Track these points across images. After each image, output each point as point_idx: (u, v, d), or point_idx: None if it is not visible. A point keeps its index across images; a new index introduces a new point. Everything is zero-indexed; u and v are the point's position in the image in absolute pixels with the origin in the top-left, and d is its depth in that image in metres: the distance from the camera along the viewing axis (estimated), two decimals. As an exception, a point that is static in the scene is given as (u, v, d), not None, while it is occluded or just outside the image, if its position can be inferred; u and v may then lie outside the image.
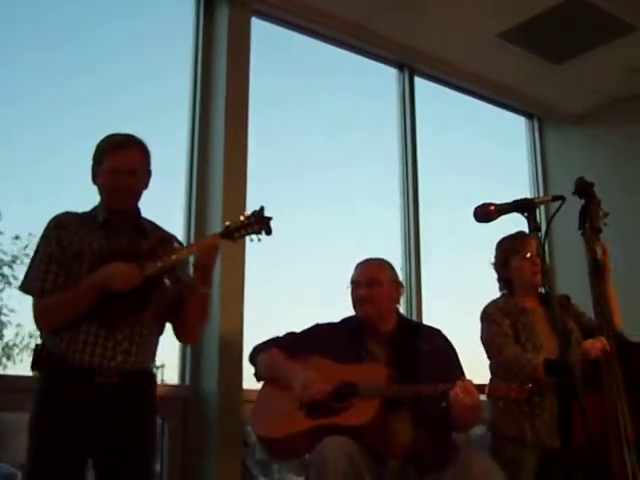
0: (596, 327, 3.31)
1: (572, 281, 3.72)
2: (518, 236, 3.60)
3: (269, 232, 2.80)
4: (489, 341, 3.53)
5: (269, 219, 2.81)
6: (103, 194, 2.83)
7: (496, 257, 3.70)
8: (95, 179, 2.84)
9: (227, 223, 2.84)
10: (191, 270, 2.91)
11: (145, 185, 2.89)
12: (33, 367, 2.73)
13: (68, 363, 2.64)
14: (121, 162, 2.75)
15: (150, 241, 2.83)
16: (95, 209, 2.87)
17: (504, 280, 3.67)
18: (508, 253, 3.62)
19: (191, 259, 2.92)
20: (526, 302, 3.59)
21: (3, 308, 4.12)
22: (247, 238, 2.83)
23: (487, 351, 3.56)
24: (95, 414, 2.63)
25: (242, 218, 2.80)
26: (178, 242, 3.01)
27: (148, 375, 2.85)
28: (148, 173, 2.88)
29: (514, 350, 3.41)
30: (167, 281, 2.81)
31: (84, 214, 2.86)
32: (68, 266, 2.71)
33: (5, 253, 4.15)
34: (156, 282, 2.74)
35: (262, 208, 2.81)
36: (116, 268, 2.65)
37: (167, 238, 2.91)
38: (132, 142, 2.82)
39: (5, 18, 3.94)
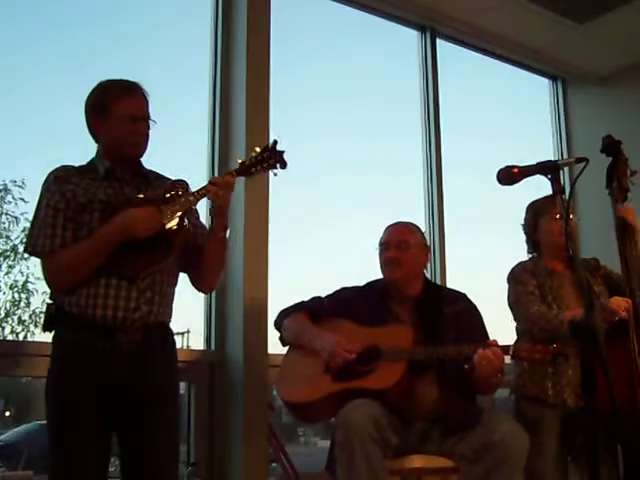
0: (624, 283, 3.32)
1: (597, 243, 3.72)
2: (548, 198, 3.58)
3: (284, 165, 2.75)
4: (515, 300, 3.52)
5: (282, 152, 2.75)
6: (111, 144, 2.71)
7: (526, 219, 3.69)
8: (97, 129, 2.72)
9: (240, 160, 2.78)
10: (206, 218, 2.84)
11: None
12: (46, 328, 2.61)
13: (87, 321, 2.53)
14: (136, 108, 2.67)
15: (163, 186, 2.74)
16: (92, 161, 2.75)
17: (533, 242, 3.66)
18: (538, 214, 3.59)
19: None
20: (554, 264, 3.58)
21: (29, 276, 4.14)
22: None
23: (513, 312, 3.56)
24: (118, 375, 2.54)
25: (255, 153, 2.75)
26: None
27: (168, 329, 2.74)
28: (154, 121, 2.78)
29: (540, 308, 3.41)
30: (187, 221, 2.68)
31: (81, 167, 2.74)
32: (76, 218, 2.58)
33: (30, 221, 4.18)
34: (178, 225, 2.63)
35: (275, 142, 2.76)
36: (136, 213, 2.55)
37: (181, 181, 2.76)
38: (139, 86, 2.73)
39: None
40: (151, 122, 2.75)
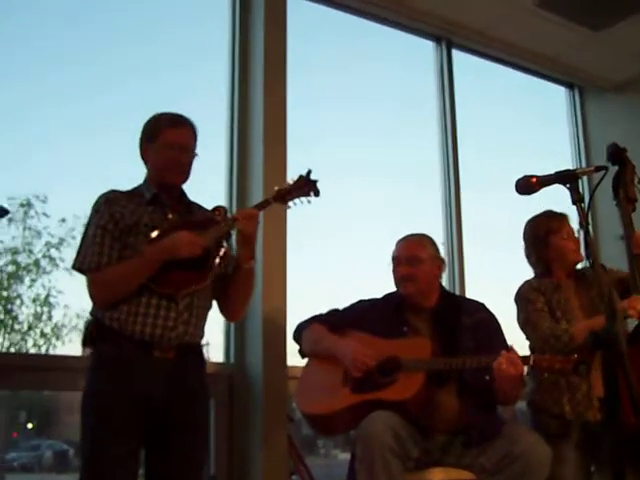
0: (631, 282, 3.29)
1: (616, 251, 3.66)
2: (555, 216, 3.57)
3: (317, 193, 2.95)
4: (526, 319, 3.49)
5: (315, 181, 2.96)
6: (155, 169, 2.87)
7: (533, 237, 3.64)
8: (145, 154, 2.89)
9: (277, 187, 2.95)
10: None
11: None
12: (86, 343, 2.72)
13: (126, 336, 2.63)
14: (180, 138, 2.82)
15: (205, 212, 2.90)
16: (140, 187, 2.90)
17: (543, 259, 3.62)
18: (548, 232, 3.57)
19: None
20: (559, 278, 3.56)
21: (52, 290, 4.20)
22: (291, 206, 2.99)
23: (524, 331, 3.52)
24: (152, 387, 2.62)
25: (291, 182, 2.95)
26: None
27: (200, 351, 2.85)
28: (195, 154, 2.92)
29: (550, 324, 3.38)
30: (226, 245, 2.83)
31: (129, 191, 2.88)
32: (123, 239, 2.72)
33: (52, 236, 4.21)
34: (216, 248, 2.77)
35: (309, 171, 2.95)
36: (181, 236, 2.68)
37: (221, 207, 2.91)
38: (187, 120, 2.89)
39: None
40: (194, 154, 2.89)
